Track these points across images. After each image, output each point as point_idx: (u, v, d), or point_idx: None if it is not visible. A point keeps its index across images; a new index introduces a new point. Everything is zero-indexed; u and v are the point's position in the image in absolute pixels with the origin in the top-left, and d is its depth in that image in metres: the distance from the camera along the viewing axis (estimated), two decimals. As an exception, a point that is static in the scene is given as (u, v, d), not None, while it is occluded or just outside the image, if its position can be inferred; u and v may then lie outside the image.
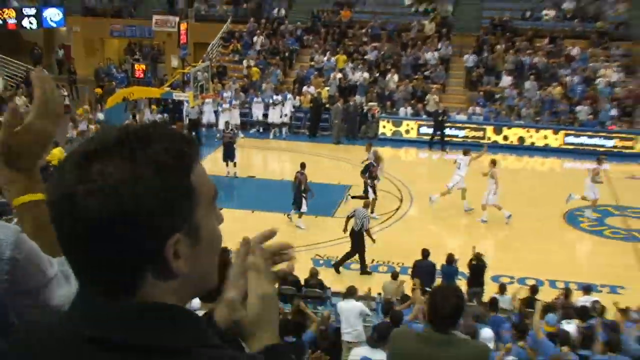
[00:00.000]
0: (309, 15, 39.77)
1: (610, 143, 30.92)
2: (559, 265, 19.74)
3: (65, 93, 34.80)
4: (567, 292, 16.11)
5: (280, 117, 32.25)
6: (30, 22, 38.12)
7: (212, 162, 26.27)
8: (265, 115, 32.49)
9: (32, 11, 38.26)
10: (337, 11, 39.55)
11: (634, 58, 35.56)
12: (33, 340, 1.61)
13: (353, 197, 22.47)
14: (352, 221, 18.95)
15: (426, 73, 35.25)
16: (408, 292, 15.61)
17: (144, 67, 37.07)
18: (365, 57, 36.08)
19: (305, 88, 33.76)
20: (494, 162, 22.81)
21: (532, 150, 31.18)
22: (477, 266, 17.45)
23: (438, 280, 16.87)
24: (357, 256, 18.93)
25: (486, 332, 11.15)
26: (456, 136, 31.47)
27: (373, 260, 19.75)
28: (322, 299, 15.75)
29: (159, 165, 1.49)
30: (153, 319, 1.53)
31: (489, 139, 31.57)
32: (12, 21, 37.50)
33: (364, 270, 18.78)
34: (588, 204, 23.40)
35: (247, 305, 1.81)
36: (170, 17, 37.08)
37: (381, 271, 18.92)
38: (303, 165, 21.97)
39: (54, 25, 39.19)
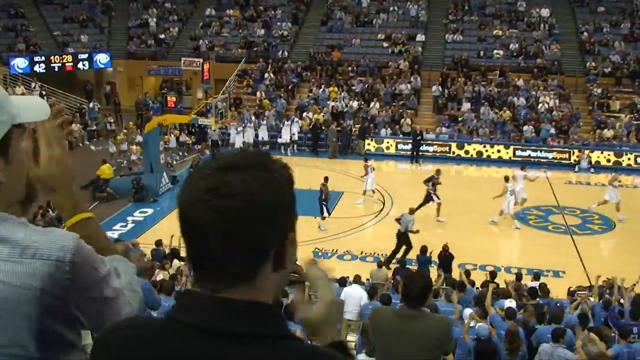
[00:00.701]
0: (307, 56, 39.62)
1: (550, 155, 30.80)
2: (512, 254, 19.62)
3: (112, 120, 34.82)
4: (518, 276, 15.97)
5: (290, 136, 31.93)
6: (84, 65, 38.54)
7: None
8: (272, 136, 32.22)
9: (85, 56, 38.49)
10: (329, 52, 39.43)
11: (566, 88, 35.53)
12: (139, 332, 1.57)
13: (417, 209, 21.40)
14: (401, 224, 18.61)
15: (402, 101, 35.08)
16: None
17: (174, 98, 36.98)
18: (353, 88, 35.93)
19: (305, 114, 33.63)
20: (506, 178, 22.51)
21: (489, 161, 31.05)
22: (446, 256, 17.31)
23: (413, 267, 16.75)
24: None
25: (467, 311, 10.95)
26: (427, 151, 31.35)
27: (362, 252, 19.58)
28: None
29: (284, 177, 1.53)
30: (259, 312, 1.50)
31: (453, 153, 31.50)
32: (69, 64, 37.96)
33: (387, 262, 17.84)
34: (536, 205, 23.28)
35: (317, 308, 1.84)
36: (196, 59, 36.96)
37: (369, 261, 18.71)
38: (326, 179, 21.66)
39: (102, 66, 39.51)
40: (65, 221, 2.11)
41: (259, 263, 1.49)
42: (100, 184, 24.47)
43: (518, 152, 31.12)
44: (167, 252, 16.82)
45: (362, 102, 34.70)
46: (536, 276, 15.94)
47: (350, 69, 37.69)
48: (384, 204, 24.36)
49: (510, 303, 12.40)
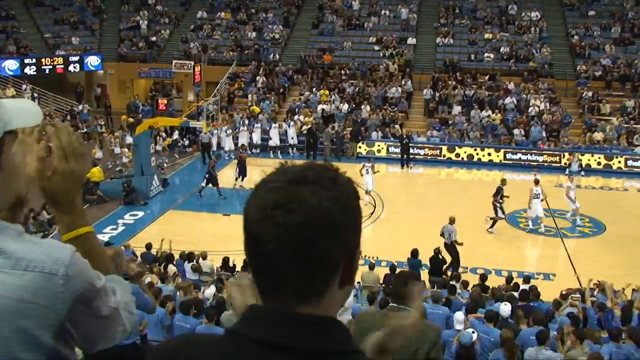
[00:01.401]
0: (298, 59, 39.59)
1: (540, 158, 30.85)
2: (503, 258, 19.61)
3: (102, 122, 34.73)
4: (508, 279, 15.99)
5: (290, 139, 31.89)
6: (75, 67, 38.59)
7: (219, 179, 26.01)
8: (264, 139, 32.15)
9: (76, 58, 38.48)
10: (320, 55, 39.45)
11: (556, 91, 35.66)
12: (200, 348, 1.55)
13: (490, 228, 21.76)
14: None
15: (393, 105, 35.12)
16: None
17: (165, 101, 36.91)
18: (344, 92, 35.94)
19: (295, 117, 33.59)
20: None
21: (479, 164, 31.08)
22: (437, 260, 17.31)
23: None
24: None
25: (459, 315, 10.90)
26: (418, 154, 31.36)
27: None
28: None
29: (352, 191, 1.51)
30: (329, 327, 1.48)
31: (444, 156, 31.53)
32: (60, 66, 38.03)
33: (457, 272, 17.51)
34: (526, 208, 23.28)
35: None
36: (187, 61, 36.93)
37: (360, 264, 18.64)
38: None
39: (93, 68, 39.62)
40: (61, 234, 2.06)
41: (328, 279, 1.47)
42: (91, 186, 24.36)
43: (509, 155, 31.17)
44: (157, 255, 16.82)
45: (354, 105, 34.71)
46: (526, 279, 15.95)
47: (341, 72, 37.69)
48: (374, 207, 24.35)
49: (506, 307, 12.41)
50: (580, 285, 16.26)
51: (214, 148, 30.91)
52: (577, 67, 36.99)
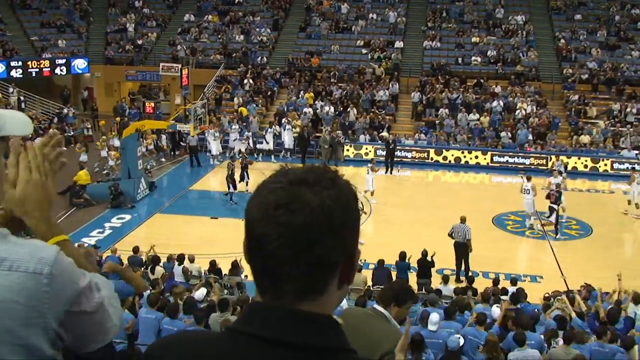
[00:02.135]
0: (285, 62, 39.58)
1: (527, 161, 30.97)
2: (490, 260, 19.63)
3: (89, 125, 34.59)
4: (495, 281, 16.02)
5: (286, 144, 31.71)
6: (61, 70, 38.40)
7: (206, 182, 25.99)
8: (254, 143, 32.00)
9: (63, 61, 38.31)
10: (308, 58, 39.47)
11: (543, 94, 35.82)
12: (198, 345, 1.56)
13: (556, 227, 21.98)
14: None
15: (380, 108, 35.19)
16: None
17: (153, 104, 36.80)
18: (332, 95, 35.96)
19: (283, 120, 33.53)
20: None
21: (467, 167, 31.18)
22: (425, 262, 17.31)
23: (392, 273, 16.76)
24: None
25: (434, 316, 10.87)
26: (406, 157, 31.40)
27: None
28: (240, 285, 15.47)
29: (351, 192, 1.53)
30: (324, 325, 1.50)
31: (431, 159, 31.61)
32: (46, 69, 37.79)
33: (467, 276, 17.65)
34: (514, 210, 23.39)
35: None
36: (174, 64, 36.82)
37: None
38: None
39: (80, 71, 39.41)
40: None
41: (328, 279, 1.49)
42: (77, 190, 24.26)
43: (496, 158, 31.30)
44: (144, 260, 16.74)
45: (342, 109, 34.72)
46: (513, 281, 16.00)
47: (329, 75, 37.71)
48: (362, 209, 24.34)
49: (497, 309, 12.43)
50: (567, 287, 16.33)
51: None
52: (564, 71, 37.19)
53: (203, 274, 16.00)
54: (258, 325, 1.47)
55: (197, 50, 40.18)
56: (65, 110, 35.79)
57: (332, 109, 34.39)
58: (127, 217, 23.45)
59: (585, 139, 32.42)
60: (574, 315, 11.98)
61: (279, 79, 38.05)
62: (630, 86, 35.83)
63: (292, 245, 1.43)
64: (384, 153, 30.85)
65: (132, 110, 36.88)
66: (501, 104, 34.52)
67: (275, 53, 40.92)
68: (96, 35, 43.05)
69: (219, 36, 41.71)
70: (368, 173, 25.01)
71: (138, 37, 42.11)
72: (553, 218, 22.02)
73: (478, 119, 33.75)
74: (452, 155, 31.83)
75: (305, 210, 1.43)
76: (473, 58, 38.52)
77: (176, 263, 16.28)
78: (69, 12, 43.50)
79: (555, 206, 21.92)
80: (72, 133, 33.16)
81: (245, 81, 37.40)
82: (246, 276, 15.24)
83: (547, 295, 14.71)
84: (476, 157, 31.42)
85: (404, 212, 23.22)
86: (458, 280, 17.97)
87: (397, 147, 30.66)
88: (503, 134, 32.68)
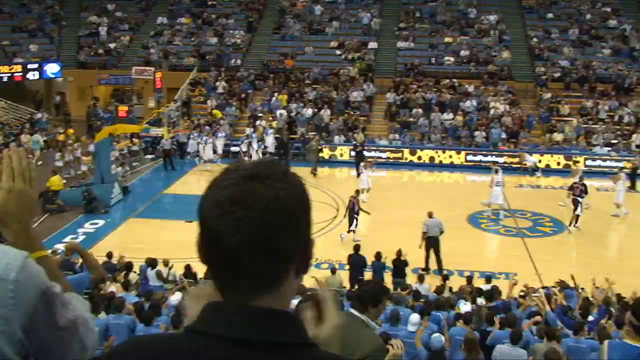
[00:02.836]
0: (260, 64, 39.49)
1: (501, 160, 31.13)
2: (464, 258, 19.72)
3: (62, 130, 34.26)
4: (469, 279, 16.10)
5: (265, 148, 31.21)
6: (33, 74, 38.11)
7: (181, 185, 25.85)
8: (226, 145, 31.81)
9: (35, 66, 37.95)
10: (282, 60, 39.43)
11: (516, 93, 36.09)
12: (156, 347, 1.54)
13: (575, 222, 22.44)
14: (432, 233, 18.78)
15: (355, 109, 35.25)
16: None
17: (126, 108, 36.56)
18: (306, 96, 35.93)
19: (258, 122, 33.47)
20: None
21: (441, 167, 31.32)
22: (400, 262, 17.36)
23: (368, 274, 16.78)
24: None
25: (414, 317, 10.89)
26: (380, 157, 31.40)
27: (316, 259, 19.48)
28: None
29: (302, 184, 1.56)
30: (285, 320, 1.51)
31: (406, 159, 31.73)
32: (18, 74, 37.46)
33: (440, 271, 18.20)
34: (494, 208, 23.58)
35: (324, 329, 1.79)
36: (147, 67, 36.61)
37: (323, 268, 18.60)
38: (357, 192, 21.73)
39: (52, 76, 39.03)
40: None
41: (287, 269, 1.51)
42: (50, 195, 24.04)
43: (469, 157, 31.47)
44: (118, 265, 16.60)
45: (316, 110, 34.71)
46: (488, 279, 16.08)
47: (303, 76, 37.69)
48: (337, 210, 24.35)
49: (465, 306, 12.49)
50: (542, 283, 16.44)
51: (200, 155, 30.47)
52: (536, 69, 37.47)
53: (178, 278, 15.90)
54: (218, 324, 1.47)
55: (170, 53, 39.98)
56: (38, 115, 35.44)
57: (308, 110, 34.38)
58: (101, 222, 23.27)
59: (558, 136, 32.72)
60: (548, 309, 12.05)
61: (252, 81, 37.96)
62: (601, 83, 36.21)
63: (250, 240, 1.43)
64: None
65: (106, 114, 36.61)
66: (475, 103, 34.77)
67: (249, 55, 40.82)
68: (68, 40, 42.68)
69: (192, 39, 41.52)
70: (362, 172, 25.29)
71: (111, 41, 41.79)
72: (579, 210, 22.36)
73: (452, 119, 33.94)
74: (427, 155, 31.98)
75: (261, 205, 1.44)
76: (446, 58, 38.67)
77: (149, 268, 16.15)
78: (40, 16, 43.09)
79: (579, 199, 22.39)
80: (45, 138, 32.83)
81: (218, 84, 37.25)
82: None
83: (521, 294, 14.80)
84: (450, 156, 31.57)
85: (378, 213, 23.19)
86: (426, 270, 18.27)
87: (371, 149, 30.70)
88: (477, 133, 32.88)
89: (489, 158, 31.13)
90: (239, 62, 39.78)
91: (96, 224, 23.14)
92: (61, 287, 1.80)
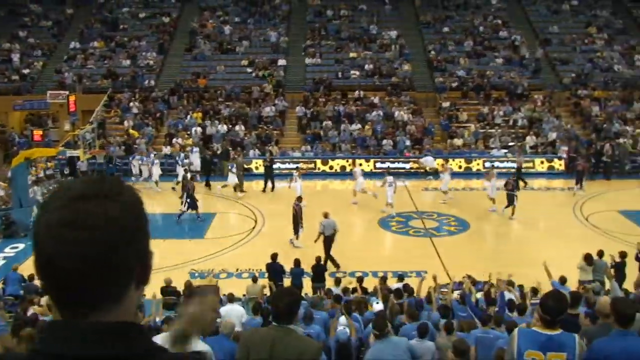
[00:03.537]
0: (173, 84, 39.07)
1: (407, 166, 31.81)
2: (377, 259, 20.01)
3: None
4: (383, 279, 16.30)
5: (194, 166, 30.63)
6: (-55, 102, 36.21)
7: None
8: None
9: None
10: (195, 79, 39.14)
11: (418, 103, 36.91)
12: None
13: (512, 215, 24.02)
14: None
15: (268, 123, 35.33)
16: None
17: (41, 132, 35.49)
18: (221, 113, 35.80)
19: (174, 140, 33.14)
20: None
21: (351, 175, 31.54)
22: (318, 267, 17.49)
23: (287, 280, 16.81)
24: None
25: (343, 319, 11.01)
26: (294, 168, 31.42)
27: (237, 269, 19.42)
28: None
29: (137, 199, 1.51)
30: (130, 331, 1.46)
31: (318, 169, 31.98)
32: None
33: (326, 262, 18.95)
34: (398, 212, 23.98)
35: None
36: (61, 91, 35.66)
37: (244, 277, 18.56)
38: (299, 199, 21.80)
39: (-36, 103, 37.28)
40: None
41: (126, 284, 1.47)
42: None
43: (378, 165, 31.95)
44: (39, 288, 16.11)
45: (230, 126, 34.61)
46: (400, 277, 16.37)
47: (218, 93, 37.53)
48: (255, 221, 24.34)
49: (378, 305, 12.71)
50: (450, 279, 16.82)
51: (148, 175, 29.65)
52: (436, 80, 38.44)
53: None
54: (59, 344, 1.41)
55: (84, 76, 39.10)
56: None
57: (223, 127, 34.24)
58: (21, 245, 22.49)
59: (458, 141, 33.67)
60: (479, 296, 12.36)
61: (167, 101, 37.54)
62: (496, 91, 37.50)
63: (82, 262, 1.38)
64: (274, 167, 30.77)
65: (21, 139, 35.46)
66: (381, 113, 35.39)
67: (162, 75, 40.34)
68: (-20, 67, 41.13)
69: (105, 61, 40.74)
70: (295, 181, 25.61)
71: (24, 67, 40.55)
72: (515, 202, 23.93)
73: (360, 129, 34.43)
74: (338, 164, 32.33)
75: (91, 224, 1.39)
76: (352, 72, 39.21)
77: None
78: (-51, 44, 41.43)
79: (513, 193, 23.98)
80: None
81: (131, 104, 36.66)
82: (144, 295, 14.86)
83: (430, 291, 15.09)
84: (360, 164, 31.93)
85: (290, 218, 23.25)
86: (334, 263, 19.17)
87: (285, 160, 30.83)
88: (384, 141, 33.45)
89: (397, 165, 31.68)
90: (152, 82, 39.25)
91: (16, 247, 22.36)
92: None
